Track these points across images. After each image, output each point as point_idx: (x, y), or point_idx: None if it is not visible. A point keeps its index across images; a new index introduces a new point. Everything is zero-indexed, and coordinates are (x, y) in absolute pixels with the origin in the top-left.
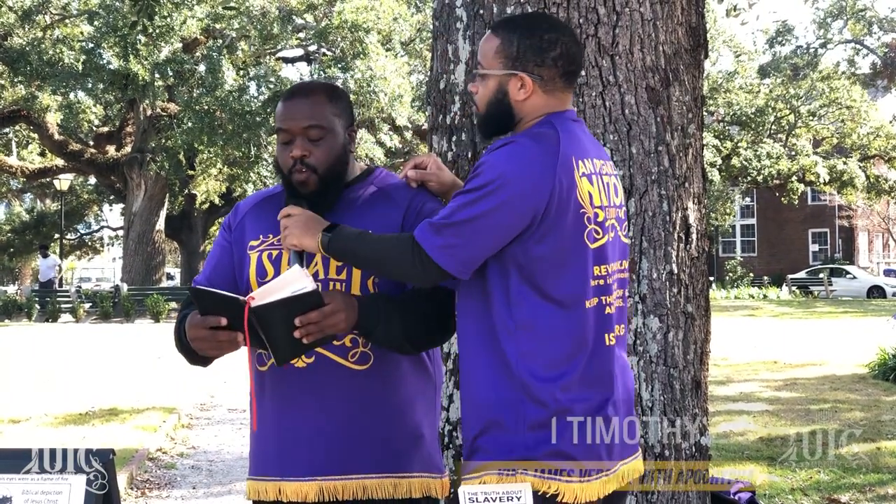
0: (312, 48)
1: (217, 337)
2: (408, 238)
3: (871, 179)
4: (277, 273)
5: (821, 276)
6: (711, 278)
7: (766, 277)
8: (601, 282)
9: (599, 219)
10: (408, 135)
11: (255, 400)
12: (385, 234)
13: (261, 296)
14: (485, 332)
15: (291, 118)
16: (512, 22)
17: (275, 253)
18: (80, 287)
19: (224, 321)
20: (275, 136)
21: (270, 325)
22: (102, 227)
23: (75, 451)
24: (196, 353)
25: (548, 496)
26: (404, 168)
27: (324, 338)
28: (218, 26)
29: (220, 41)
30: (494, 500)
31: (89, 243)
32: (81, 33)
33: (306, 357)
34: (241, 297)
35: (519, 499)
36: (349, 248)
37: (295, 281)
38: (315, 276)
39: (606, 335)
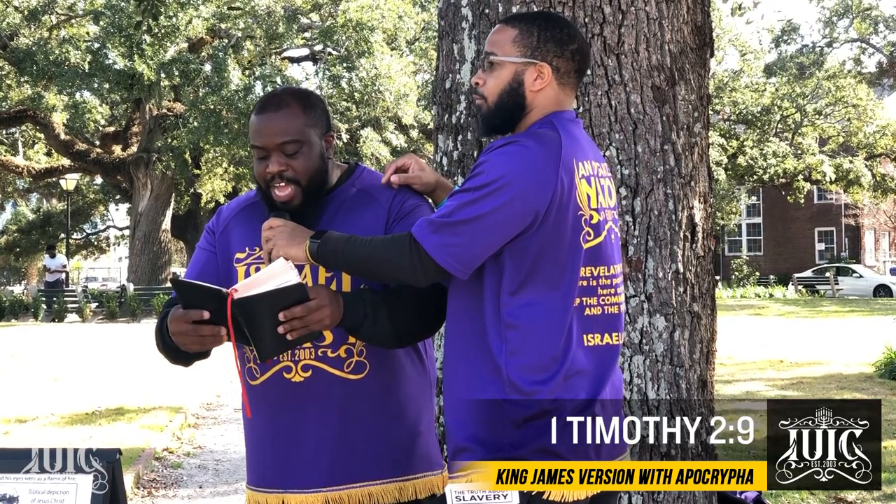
0: (318, 48)
1: (200, 331)
2: (405, 237)
3: (878, 178)
4: None
5: (827, 275)
6: (717, 277)
7: (772, 276)
8: (583, 283)
9: (594, 221)
10: (414, 133)
11: (247, 412)
12: (376, 237)
13: (244, 288)
14: (474, 332)
15: (265, 134)
16: (528, 15)
17: (263, 266)
18: (86, 287)
19: (207, 315)
20: None
21: (253, 318)
22: (108, 227)
23: (75, 451)
24: (178, 350)
25: (534, 495)
26: (386, 173)
27: (309, 334)
28: (223, 26)
29: (226, 41)
30: (481, 499)
31: (95, 243)
32: (87, 33)
33: (303, 371)
34: (224, 289)
35: (506, 497)
36: (340, 253)
37: (280, 274)
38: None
39: (586, 335)
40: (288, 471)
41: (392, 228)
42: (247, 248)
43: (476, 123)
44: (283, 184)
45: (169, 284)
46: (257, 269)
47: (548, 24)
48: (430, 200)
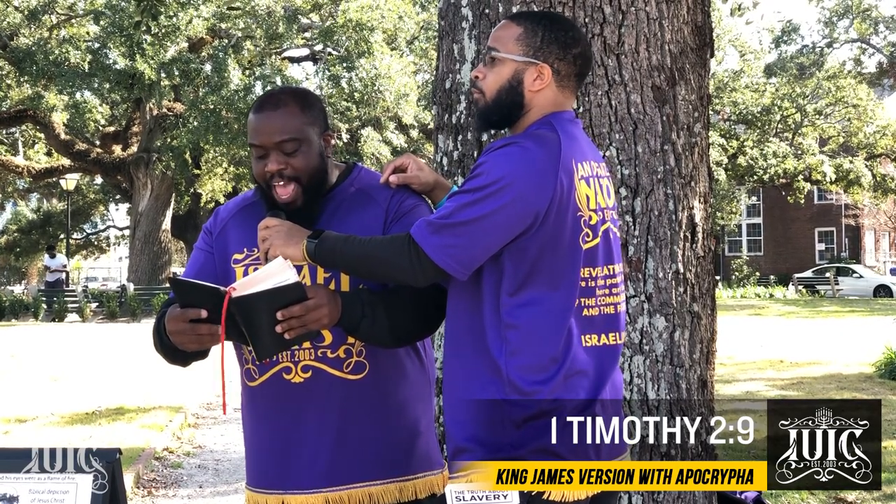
0: (318, 48)
1: (197, 330)
2: (403, 237)
3: (878, 178)
4: None
5: (827, 275)
6: (717, 277)
7: (772, 276)
8: (582, 284)
9: (592, 221)
10: (414, 133)
11: (243, 414)
12: (374, 236)
13: (242, 287)
14: (473, 332)
15: (263, 133)
16: (535, 14)
17: (262, 263)
18: (86, 287)
19: (204, 313)
20: None
21: (251, 317)
22: (109, 227)
23: (75, 450)
24: (175, 350)
25: (534, 495)
26: (384, 173)
27: (307, 333)
28: (224, 26)
29: (226, 41)
30: (481, 499)
31: (95, 243)
32: (87, 33)
33: (302, 372)
34: (222, 288)
35: (506, 497)
36: (338, 252)
37: (278, 273)
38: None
39: (584, 336)
40: (288, 471)
41: (390, 228)
42: (245, 249)
43: (475, 120)
44: (283, 182)
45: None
46: (255, 270)
47: (553, 25)
48: (429, 200)
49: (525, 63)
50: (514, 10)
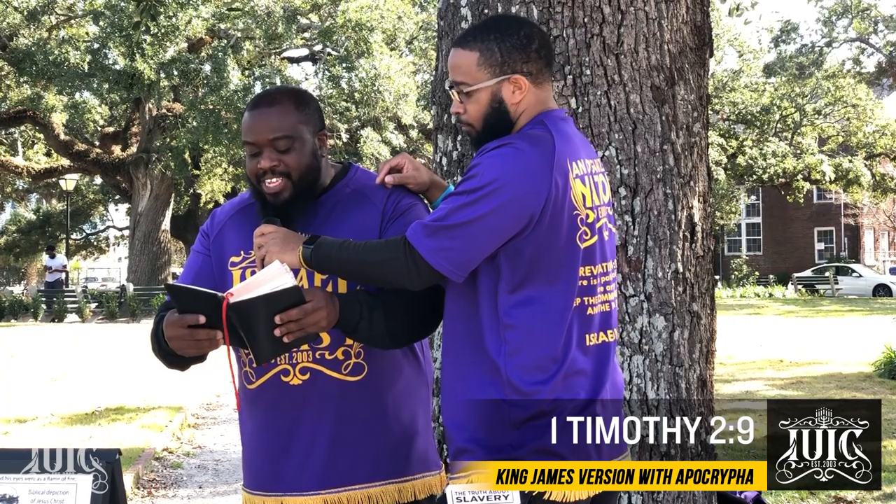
0: (317, 48)
1: (195, 335)
2: (399, 241)
3: (877, 178)
4: None
5: (826, 274)
6: (717, 277)
7: (771, 276)
8: (584, 282)
9: (589, 220)
10: (413, 133)
11: (240, 415)
12: (370, 241)
13: (240, 292)
14: (472, 333)
15: (257, 130)
16: (480, 32)
17: (258, 270)
18: (86, 287)
19: (202, 319)
20: None
21: (250, 321)
22: (108, 227)
23: (75, 451)
24: (173, 354)
25: (535, 495)
26: (380, 173)
27: (305, 336)
28: (223, 26)
29: (226, 41)
30: (482, 500)
31: (95, 243)
32: (87, 33)
33: (301, 374)
34: (220, 294)
35: (507, 498)
36: (333, 258)
37: (275, 277)
38: None
39: (588, 335)
40: (286, 474)
41: (387, 228)
42: (242, 252)
43: (471, 147)
44: (273, 177)
45: None
46: (252, 273)
47: (503, 33)
48: (425, 199)
49: (498, 83)
50: (514, 10)
